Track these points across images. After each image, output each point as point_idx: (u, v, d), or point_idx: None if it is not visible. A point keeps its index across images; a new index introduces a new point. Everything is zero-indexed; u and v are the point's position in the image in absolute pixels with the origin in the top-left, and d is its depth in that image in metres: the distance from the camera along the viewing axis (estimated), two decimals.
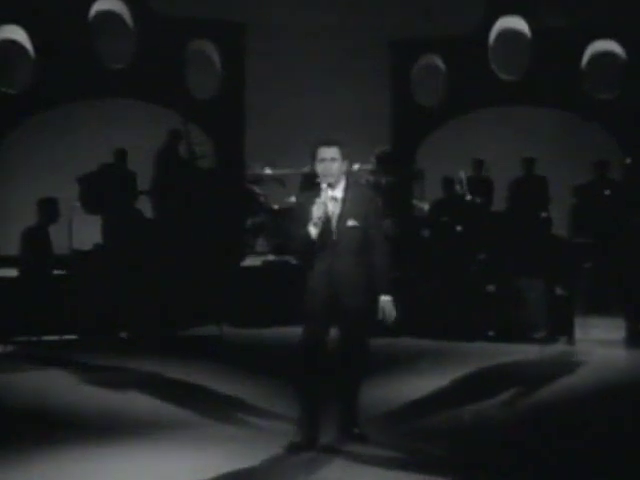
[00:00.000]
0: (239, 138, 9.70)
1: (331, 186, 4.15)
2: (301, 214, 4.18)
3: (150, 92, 9.20)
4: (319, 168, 4.15)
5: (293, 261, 8.12)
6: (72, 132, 9.12)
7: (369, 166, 8.79)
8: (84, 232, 7.83)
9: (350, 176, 4.27)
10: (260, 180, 9.12)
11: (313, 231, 4.10)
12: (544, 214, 8.23)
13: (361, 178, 8.82)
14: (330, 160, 4.13)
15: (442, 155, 9.34)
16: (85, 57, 8.90)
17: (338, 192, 4.18)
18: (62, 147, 9.08)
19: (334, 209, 4.14)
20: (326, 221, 4.12)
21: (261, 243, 8.98)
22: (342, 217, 4.16)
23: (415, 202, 9.01)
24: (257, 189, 9.05)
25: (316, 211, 4.10)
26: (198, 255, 7.92)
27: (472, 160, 8.88)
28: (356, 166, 8.68)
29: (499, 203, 8.70)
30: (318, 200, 4.13)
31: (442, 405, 5.12)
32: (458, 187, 8.26)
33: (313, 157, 4.18)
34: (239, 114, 9.71)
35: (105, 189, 8.26)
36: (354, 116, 9.49)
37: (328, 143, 4.16)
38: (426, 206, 8.80)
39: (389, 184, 8.65)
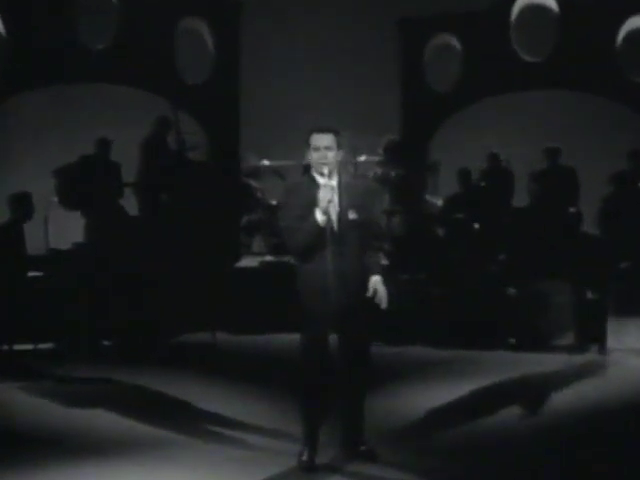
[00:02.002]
0: (234, 127, 9.66)
1: (327, 175, 4.17)
2: (293, 204, 4.17)
3: (135, 76, 9.13)
4: (313, 156, 4.20)
5: (293, 261, 8.06)
6: (47, 120, 9.05)
7: (376, 157, 8.87)
8: (62, 230, 7.80)
9: (342, 167, 4.31)
10: (257, 173, 9.11)
11: (320, 217, 4.10)
12: (573, 209, 8.18)
13: (368, 171, 8.82)
14: (325, 148, 4.18)
15: (457, 145, 9.31)
16: (62, 36, 8.83)
17: (334, 182, 4.20)
18: (36, 136, 9.02)
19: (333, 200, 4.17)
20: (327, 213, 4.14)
21: (258, 242, 8.95)
22: (342, 209, 4.17)
23: (427, 197, 9.00)
24: (254, 183, 9.04)
25: (324, 195, 4.09)
26: (189, 256, 7.91)
27: (488, 152, 8.85)
28: (362, 157, 8.72)
29: (521, 197, 8.64)
30: (322, 184, 4.13)
31: (457, 420, 5.07)
32: None
33: (307, 145, 4.22)
34: (234, 101, 9.66)
35: (85, 183, 8.21)
36: (359, 102, 9.41)
37: (322, 130, 4.21)
38: (440, 201, 8.78)
39: (398, 177, 8.78)
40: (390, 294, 4.21)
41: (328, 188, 4.10)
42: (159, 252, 7.71)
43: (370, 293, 4.18)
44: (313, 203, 4.11)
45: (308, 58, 9.64)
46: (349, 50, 9.66)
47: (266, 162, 9.01)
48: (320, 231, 4.10)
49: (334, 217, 4.14)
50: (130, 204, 8.55)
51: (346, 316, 4.16)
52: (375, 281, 4.20)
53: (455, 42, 9.69)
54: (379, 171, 8.76)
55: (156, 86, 9.18)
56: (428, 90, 9.77)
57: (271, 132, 9.21)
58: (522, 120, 9.35)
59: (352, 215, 4.16)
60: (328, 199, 4.08)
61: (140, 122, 8.63)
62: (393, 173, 8.70)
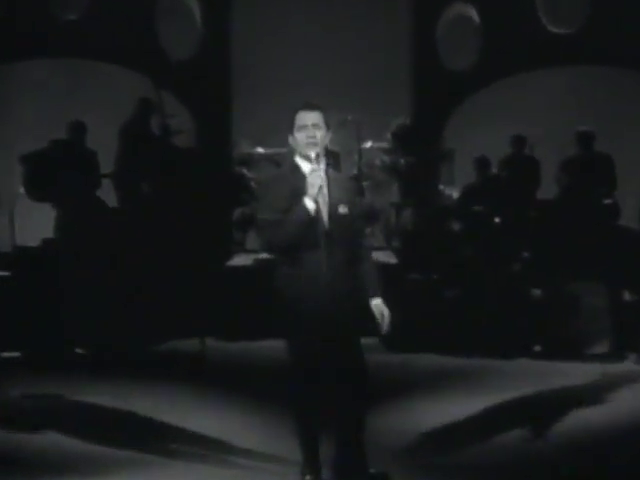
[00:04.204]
0: (225, 109, 9.64)
1: (316, 160, 4.08)
2: (276, 195, 4.09)
3: (112, 50, 9.13)
4: (298, 137, 4.13)
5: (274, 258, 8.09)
6: (12, 100, 9.05)
7: (384, 144, 8.82)
8: (30, 225, 7.79)
9: (330, 154, 4.29)
10: (251, 161, 9.03)
11: (311, 205, 4.01)
12: (608, 201, 8.13)
13: (374, 159, 8.81)
14: (313, 126, 4.11)
15: (475, 130, 9.24)
16: (29, 5, 8.84)
17: (322, 169, 4.13)
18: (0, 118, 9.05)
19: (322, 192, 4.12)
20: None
21: (252, 238, 8.85)
22: (332, 201, 4.12)
23: (441, 188, 8.95)
24: (247, 172, 8.97)
25: (313, 180, 4.01)
26: (175, 253, 7.89)
27: (511, 137, 8.80)
28: (368, 144, 8.71)
29: (548, 188, 8.57)
30: (311, 167, 4.05)
31: (473, 438, 5.04)
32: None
33: (291, 127, 4.16)
34: (225, 79, 9.65)
35: (57, 172, 8.13)
36: (365, 82, 9.37)
37: (308, 107, 4.15)
38: (455, 193, 8.73)
39: (409, 166, 8.70)
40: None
41: (317, 173, 4.03)
42: (141, 249, 7.68)
43: (381, 322, 4.16)
44: (299, 194, 4.03)
45: (308, 32, 9.57)
46: (353, 24, 9.61)
47: (261, 149, 8.95)
48: (311, 221, 4.01)
49: (324, 211, 4.08)
50: (108, 196, 8.46)
51: (341, 323, 4.11)
52: (378, 306, 4.18)
53: (473, 13, 9.65)
54: (387, 159, 8.76)
55: (136, 63, 9.18)
56: (442, 68, 9.70)
57: (266, 115, 9.10)
58: (550, 101, 9.31)
59: (343, 209, 4.11)
60: (319, 184, 4.00)
61: (119, 103, 8.58)
62: (403, 161, 8.71)
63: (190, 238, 8.08)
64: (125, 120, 8.58)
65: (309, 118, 4.08)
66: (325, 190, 4.08)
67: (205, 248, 8.26)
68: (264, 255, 8.57)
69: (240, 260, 8.56)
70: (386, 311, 4.16)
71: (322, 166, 4.11)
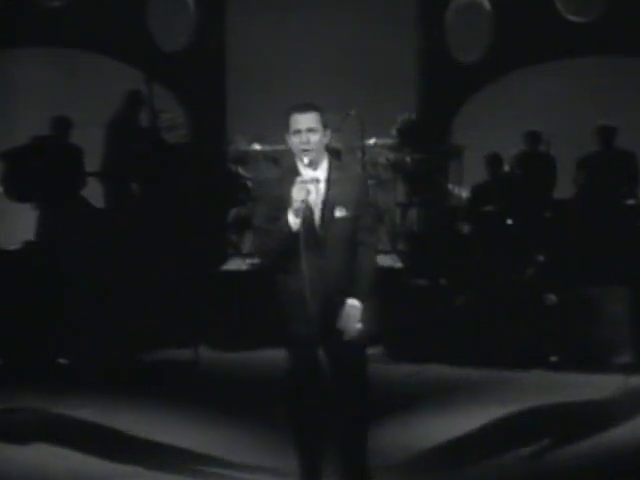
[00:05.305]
0: (219, 104, 9.67)
1: (310, 165, 4.11)
2: (266, 201, 4.14)
3: (99, 40, 9.15)
4: (293, 142, 4.13)
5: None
6: None
7: (389, 140, 8.83)
8: (10, 226, 7.83)
9: (329, 152, 4.24)
10: (247, 159, 9.03)
11: (293, 220, 4.02)
12: (631, 201, 8.12)
13: (378, 156, 8.82)
14: (307, 131, 4.10)
15: (486, 125, 9.26)
16: None
17: (320, 172, 4.14)
18: None
19: (317, 194, 4.11)
20: (308, 211, 4.08)
21: (248, 241, 8.81)
22: (328, 205, 4.12)
23: (450, 187, 8.93)
24: (243, 171, 8.96)
25: (297, 193, 4.00)
26: (166, 257, 7.90)
27: (525, 133, 8.77)
28: (372, 140, 8.75)
29: (565, 187, 8.55)
30: (298, 179, 4.03)
31: (484, 454, 5.00)
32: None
33: (286, 128, 4.15)
34: (219, 72, 9.68)
35: (39, 170, 8.11)
36: (368, 74, 9.39)
37: (302, 109, 4.13)
38: (465, 192, 8.71)
39: (415, 164, 8.68)
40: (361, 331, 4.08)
41: (303, 185, 4.00)
42: (129, 253, 7.69)
43: (340, 324, 4.07)
44: (289, 201, 4.05)
45: (308, 22, 9.58)
46: (356, 12, 9.63)
47: (257, 146, 8.94)
48: (292, 237, 4.01)
49: (317, 216, 4.09)
50: (95, 196, 8.46)
51: (338, 330, 4.08)
52: (351, 308, 4.07)
53: (484, 0, 9.64)
54: (392, 157, 8.74)
55: (125, 53, 9.21)
56: (451, 59, 9.71)
57: (264, 111, 9.02)
58: (567, 94, 9.35)
59: (340, 212, 4.10)
60: (302, 199, 3.98)
61: (106, 96, 8.61)
62: (409, 159, 8.71)
63: (182, 240, 8.10)
64: (113, 115, 8.59)
65: (303, 122, 4.07)
66: (322, 192, 4.08)
67: (198, 251, 8.24)
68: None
69: (235, 264, 8.55)
70: (354, 316, 4.06)
71: (320, 169, 4.11)
